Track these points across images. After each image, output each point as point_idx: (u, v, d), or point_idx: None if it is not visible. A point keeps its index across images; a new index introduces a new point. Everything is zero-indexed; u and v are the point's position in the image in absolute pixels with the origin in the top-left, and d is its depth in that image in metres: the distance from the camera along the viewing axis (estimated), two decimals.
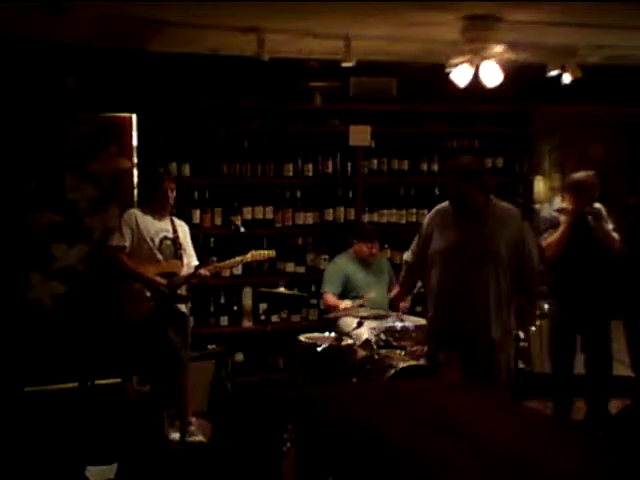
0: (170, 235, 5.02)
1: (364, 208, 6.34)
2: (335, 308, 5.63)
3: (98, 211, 5.76)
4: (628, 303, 5.12)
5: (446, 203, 4.42)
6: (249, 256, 5.31)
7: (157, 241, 4.97)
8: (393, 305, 5.50)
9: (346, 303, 5.61)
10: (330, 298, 5.77)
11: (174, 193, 5.05)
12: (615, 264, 5.05)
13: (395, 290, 5.16)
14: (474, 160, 4.59)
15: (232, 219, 5.89)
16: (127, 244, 4.91)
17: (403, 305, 5.74)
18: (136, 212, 5.06)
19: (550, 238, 4.96)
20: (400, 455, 2.51)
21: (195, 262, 5.11)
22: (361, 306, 5.45)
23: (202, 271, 5.00)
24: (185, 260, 5.04)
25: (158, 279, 4.89)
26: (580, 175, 5.11)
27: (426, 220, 4.50)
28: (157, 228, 4.99)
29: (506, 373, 4.25)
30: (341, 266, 5.90)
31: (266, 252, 5.46)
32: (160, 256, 4.96)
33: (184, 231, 5.15)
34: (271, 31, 4.91)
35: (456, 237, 4.25)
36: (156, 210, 5.03)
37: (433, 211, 4.51)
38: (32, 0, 4.26)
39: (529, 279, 4.32)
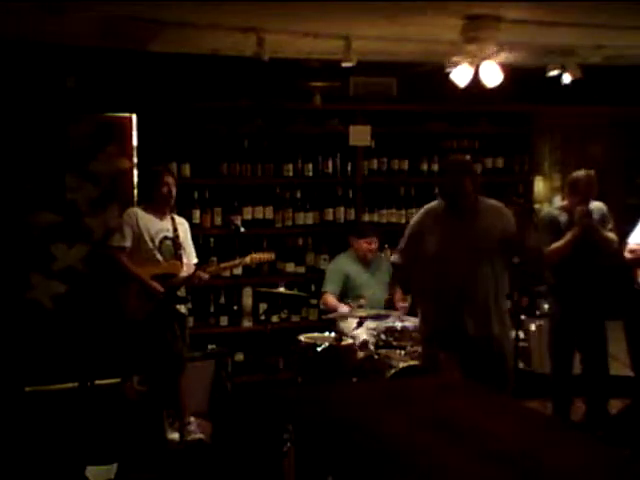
0: (170, 235, 5.00)
1: (364, 208, 6.35)
2: (334, 310, 5.63)
3: (98, 211, 5.76)
4: (627, 303, 5.11)
5: (434, 203, 4.44)
6: (248, 259, 5.30)
7: (157, 241, 4.96)
8: (391, 305, 5.45)
9: (344, 307, 5.61)
10: (330, 298, 5.77)
11: (174, 191, 5.02)
12: (614, 264, 5.05)
13: (395, 291, 5.18)
14: (468, 158, 4.75)
15: (232, 219, 5.89)
16: (128, 244, 4.90)
17: (402, 305, 5.74)
18: (137, 211, 5.04)
19: (555, 244, 4.93)
20: (400, 455, 2.51)
21: (194, 259, 5.11)
22: (360, 307, 5.45)
23: (200, 274, 5.00)
24: (185, 260, 5.04)
25: (155, 284, 4.87)
26: (577, 173, 5.12)
27: (415, 220, 4.52)
28: (157, 228, 4.98)
29: (507, 371, 4.26)
30: (341, 266, 5.90)
31: (265, 255, 5.46)
32: (160, 257, 4.95)
33: (184, 229, 5.14)
34: (271, 31, 4.91)
35: (450, 236, 4.26)
36: (156, 209, 5.02)
37: (422, 211, 4.52)
38: (32, 0, 4.26)
39: (522, 248, 4.31)
